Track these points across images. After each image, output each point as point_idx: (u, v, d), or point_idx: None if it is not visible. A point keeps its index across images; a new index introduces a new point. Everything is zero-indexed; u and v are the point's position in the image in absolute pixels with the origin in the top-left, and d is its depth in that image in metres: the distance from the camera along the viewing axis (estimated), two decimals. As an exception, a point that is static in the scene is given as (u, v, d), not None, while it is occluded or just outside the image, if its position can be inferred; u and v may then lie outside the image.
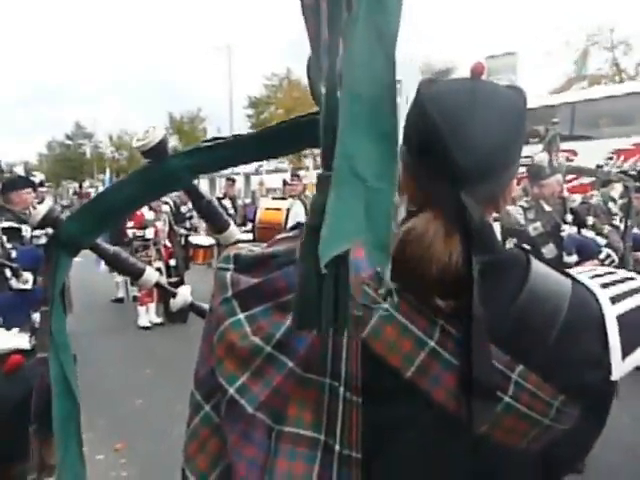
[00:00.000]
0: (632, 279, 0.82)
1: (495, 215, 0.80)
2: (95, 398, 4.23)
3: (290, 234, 0.87)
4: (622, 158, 11.51)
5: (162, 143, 1.03)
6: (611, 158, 11.06)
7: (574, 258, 3.73)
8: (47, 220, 1.10)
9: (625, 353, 0.73)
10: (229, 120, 28.39)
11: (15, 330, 1.57)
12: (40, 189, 7.21)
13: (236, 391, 0.76)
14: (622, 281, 0.81)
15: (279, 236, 0.88)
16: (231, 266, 0.85)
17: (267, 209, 5.76)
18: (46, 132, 71.34)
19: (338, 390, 0.73)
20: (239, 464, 0.75)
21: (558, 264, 3.60)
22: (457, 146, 0.69)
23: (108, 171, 15.13)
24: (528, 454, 0.76)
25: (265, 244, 0.88)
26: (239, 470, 0.75)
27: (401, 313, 0.72)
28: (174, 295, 1.41)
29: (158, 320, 6.82)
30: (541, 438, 0.75)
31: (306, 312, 0.60)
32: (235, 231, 1.24)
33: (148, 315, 6.88)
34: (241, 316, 0.79)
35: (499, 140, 0.71)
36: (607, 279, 0.81)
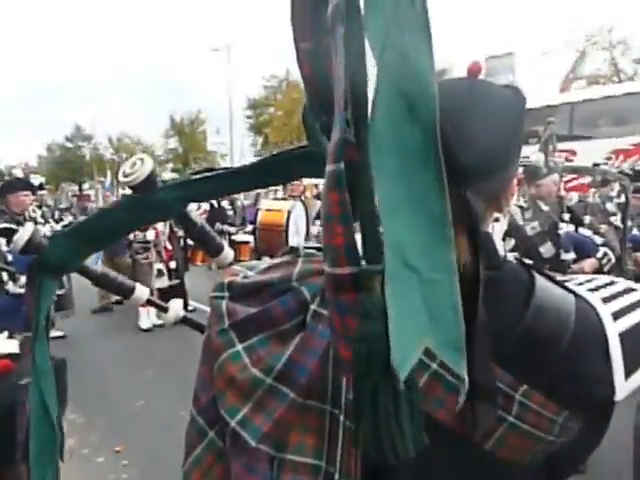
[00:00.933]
0: (633, 290, 0.81)
1: (495, 215, 0.80)
2: (95, 400, 4.25)
3: (284, 259, 0.87)
4: (621, 158, 11.52)
5: (151, 177, 0.98)
6: (610, 158, 11.06)
7: (571, 255, 3.75)
8: (30, 246, 1.03)
9: (628, 372, 0.73)
10: (229, 121, 28.41)
11: (5, 334, 1.55)
12: (39, 192, 7.24)
13: (238, 424, 0.76)
14: (623, 293, 0.80)
15: (274, 261, 0.88)
16: (226, 294, 0.84)
17: (268, 210, 5.73)
18: (45, 134, 71.32)
19: (339, 418, 0.73)
20: None
21: (556, 263, 3.62)
22: (458, 145, 0.68)
23: (109, 173, 15.04)
24: (529, 466, 0.76)
25: (260, 266, 0.87)
26: None
27: None
28: (166, 310, 1.41)
29: (159, 322, 6.83)
30: (543, 452, 0.75)
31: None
32: (229, 253, 1.23)
33: (149, 317, 6.89)
34: (239, 347, 0.78)
35: (499, 139, 0.71)
36: (608, 292, 0.80)
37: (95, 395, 4.28)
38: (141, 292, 1.32)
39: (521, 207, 3.92)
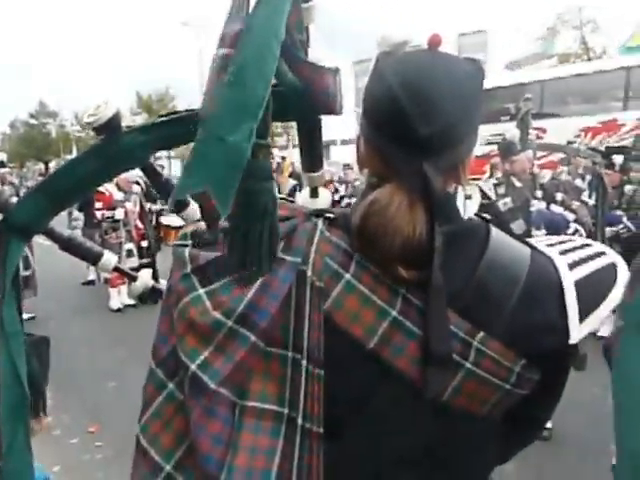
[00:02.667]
0: (589, 245, 0.84)
1: (467, 193, 0.81)
2: (67, 381, 4.18)
3: None
4: (589, 135, 11.73)
5: (115, 118, 0.97)
6: (579, 136, 11.25)
7: (542, 233, 3.80)
8: None
9: (582, 317, 0.75)
10: (199, 98, 27.88)
11: None
12: (1, 170, 7.00)
13: (198, 367, 0.75)
14: (580, 248, 0.83)
15: None
16: (189, 242, 0.84)
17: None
18: (10, 112, 68.98)
19: (301, 363, 0.73)
20: (202, 440, 0.74)
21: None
22: (417, 115, 0.69)
23: (75, 150, 14.62)
24: (489, 421, 0.78)
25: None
26: (202, 446, 0.74)
27: (363, 284, 0.73)
28: (134, 279, 1.38)
29: (130, 302, 6.74)
30: (501, 404, 0.77)
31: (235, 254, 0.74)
32: (196, 209, 1.21)
33: (120, 297, 6.79)
34: (201, 291, 0.77)
35: (459, 110, 0.71)
36: (565, 246, 0.83)
37: (66, 376, 4.21)
38: (109, 259, 1.29)
39: (493, 183, 3.95)
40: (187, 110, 0.95)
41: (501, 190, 3.92)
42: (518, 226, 3.83)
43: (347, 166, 9.24)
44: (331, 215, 0.79)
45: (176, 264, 0.83)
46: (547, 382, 0.78)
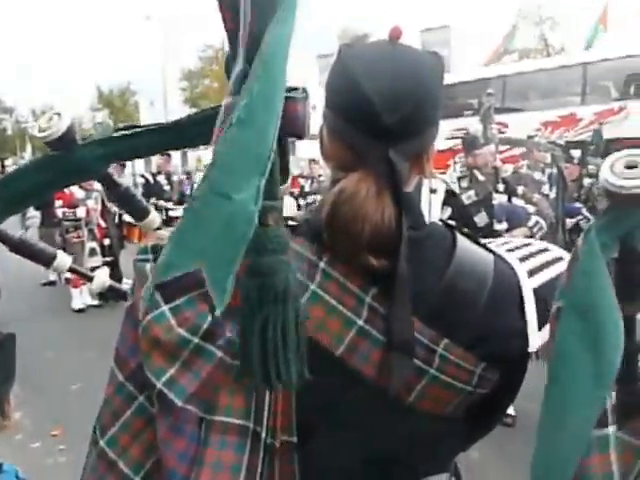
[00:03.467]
0: (547, 250, 0.87)
1: (432, 187, 0.82)
2: (29, 384, 4.06)
3: None
4: (549, 130, 12.01)
5: (69, 132, 0.91)
6: (539, 130, 11.50)
7: (504, 226, 3.89)
8: None
9: (541, 324, 0.77)
10: (162, 93, 27.40)
11: None
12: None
13: (164, 385, 0.73)
14: (538, 253, 0.85)
15: None
16: (150, 257, 0.81)
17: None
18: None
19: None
20: (168, 456, 0.74)
21: (489, 232, 3.75)
22: (381, 103, 0.70)
23: (29, 148, 14.10)
24: (452, 419, 0.80)
25: None
26: (168, 462, 0.73)
27: (329, 294, 0.73)
28: (90, 279, 1.34)
29: (93, 302, 6.59)
30: (464, 404, 0.79)
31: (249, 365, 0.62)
32: (156, 218, 1.18)
33: (82, 297, 6.63)
34: (165, 308, 0.74)
35: (421, 99, 0.73)
36: (524, 252, 0.85)
37: (28, 379, 4.08)
38: (63, 260, 1.24)
39: (457, 176, 4.01)
40: (149, 124, 0.93)
41: (464, 183, 3.98)
42: (481, 219, 3.90)
43: (313, 161, 9.23)
44: (294, 223, 0.79)
45: (138, 280, 0.81)
46: (506, 380, 0.81)
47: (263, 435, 0.72)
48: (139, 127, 0.93)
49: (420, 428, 0.78)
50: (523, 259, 0.83)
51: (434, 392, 0.76)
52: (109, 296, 6.06)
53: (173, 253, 0.56)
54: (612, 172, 0.63)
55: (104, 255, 6.68)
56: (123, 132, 0.92)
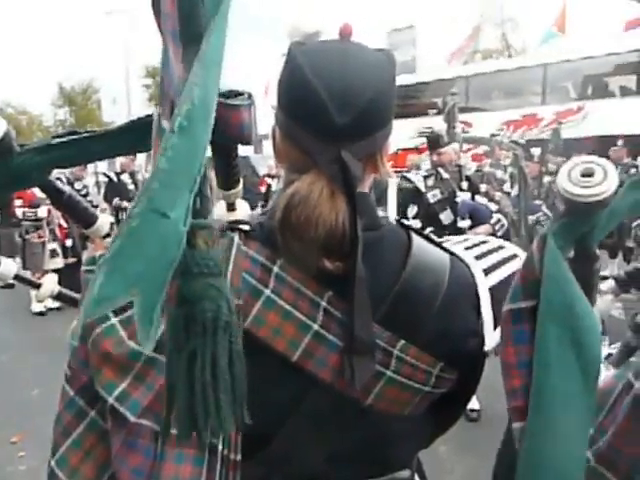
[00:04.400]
0: (502, 248, 0.87)
1: (399, 183, 0.81)
2: (-14, 391, 3.93)
3: None
4: (512, 129, 12.27)
5: (5, 140, 0.87)
6: (502, 129, 11.75)
7: (467, 223, 3.96)
8: None
9: (497, 322, 0.78)
10: (125, 91, 26.87)
11: None
12: None
13: (116, 400, 0.72)
14: (493, 251, 0.86)
15: None
16: None
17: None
18: None
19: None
20: (123, 472, 0.72)
21: (454, 229, 3.80)
22: (333, 103, 0.69)
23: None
24: (411, 418, 0.80)
25: None
26: (123, 477, 0.72)
27: (283, 299, 0.72)
28: (38, 286, 1.29)
29: (54, 305, 6.41)
30: (422, 403, 0.79)
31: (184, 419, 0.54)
32: (105, 224, 1.14)
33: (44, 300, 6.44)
34: (114, 320, 0.74)
35: (373, 97, 0.71)
36: (480, 250, 0.86)
37: (-15, 386, 3.96)
38: (7, 267, 1.17)
39: (424, 175, 4.05)
40: (86, 131, 0.90)
41: (430, 182, 4.03)
42: (446, 216, 3.95)
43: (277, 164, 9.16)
44: (247, 227, 0.77)
45: (86, 291, 0.78)
46: (463, 380, 0.81)
47: (220, 447, 0.71)
48: (77, 134, 0.89)
49: (379, 429, 0.78)
50: (479, 257, 0.84)
51: (392, 393, 0.75)
52: (73, 300, 5.92)
53: (104, 283, 0.46)
54: (569, 179, 0.63)
55: (66, 256, 6.51)
56: (61, 139, 0.88)
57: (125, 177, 8.05)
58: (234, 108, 0.80)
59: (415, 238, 0.80)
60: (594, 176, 0.62)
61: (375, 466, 0.81)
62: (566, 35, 14.30)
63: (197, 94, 0.50)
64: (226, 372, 0.55)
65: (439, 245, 0.83)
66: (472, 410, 3.45)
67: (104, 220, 1.12)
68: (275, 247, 0.72)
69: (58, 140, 0.88)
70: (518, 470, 0.66)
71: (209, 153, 0.56)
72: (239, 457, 0.72)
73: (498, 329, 0.77)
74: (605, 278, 2.99)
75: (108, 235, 1.10)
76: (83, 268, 0.81)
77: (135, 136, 0.87)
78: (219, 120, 0.55)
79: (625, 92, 11.94)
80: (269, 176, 8.96)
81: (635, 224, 4.63)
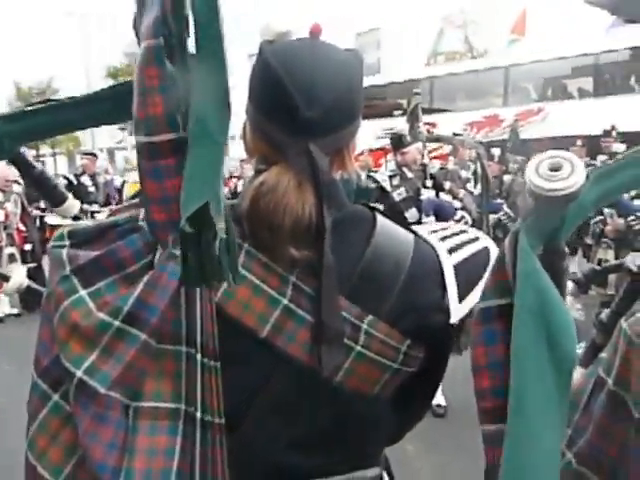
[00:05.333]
0: (465, 232, 0.91)
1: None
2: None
3: (132, 202, 0.83)
4: (475, 129, 12.50)
5: None
6: (466, 130, 11.94)
7: (431, 219, 4.01)
8: None
9: (461, 298, 0.81)
10: (86, 91, 26.27)
11: None
12: None
13: (84, 373, 0.71)
14: (457, 234, 0.89)
15: (118, 206, 0.87)
16: (66, 242, 0.79)
17: (137, 183, 5.41)
18: None
19: (195, 357, 0.72)
20: (95, 448, 0.71)
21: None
22: (302, 97, 0.72)
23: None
24: (380, 400, 0.81)
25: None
26: (95, 454, 0.71)
27: (253, 274, 0.74)
28: (7, 279, 1.25)
29: (13, 311, 6.22)
30: (391, 383, 0.80)
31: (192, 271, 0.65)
32: (74, 204, 1.12)
33: (1, 306, 6.25)
34: (83, 293, 0.74)
35: (340, 94, 0.74)
36: (445, 233, 0.89)
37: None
38: None
39: (390, 175, 4.09)
40: (55, 100, 0.89)
41: (395, 181, 4.07)
42: (412, 215, 4.00)
43: (244, 161, 9.14)
44: None
45: (54, 266, 0.78)
46: (432, 359, 0.83)
47: (198, 415, 0.71)
48: (52, 101, 0.88)
49: (348, 408, 0.79)
50: (443, 239, 0.87)
51: (361, 369, 0.77)
52: (29, 300, 5.77)
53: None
54: (537, 175, 0.64)
55: (25, 261, 6.32)
56: (33, 107, 0.87)
57: (85, 179, 7.86)
58: None
59: (380, 218, 0.83)
60: (562, 170, 0.62)
61: (344, 457, 0.82)
62: (527, 38, 14.65)
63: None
64: (224, 241, 0.65)
65: (404, 225, 0.86)
66: (438, 405, 3.49)
67: (73, 201, 1.11)
68: (245, 227, 0.75)
69: (32, 107, 0.87)
70: (503, 472, 0.66)
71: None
72: (222, 421, 0.73)
73: (464, 302, 0.80)
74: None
75: (77, 217, 1.08)
76: (52, 244, 0.80)
77: (113, 104, 0.86)
78: None
79: (583, 94, 12.31)
80: (235, 177, 8.91)
81: (594, 221, 4.77)
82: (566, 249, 0.72)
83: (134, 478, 0.69)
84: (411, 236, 0.84)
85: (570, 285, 3.04)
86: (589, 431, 0.73)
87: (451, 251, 0.84)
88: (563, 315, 0.66)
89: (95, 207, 7.86)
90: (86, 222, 0.84)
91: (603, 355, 0.77)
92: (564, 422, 0.67)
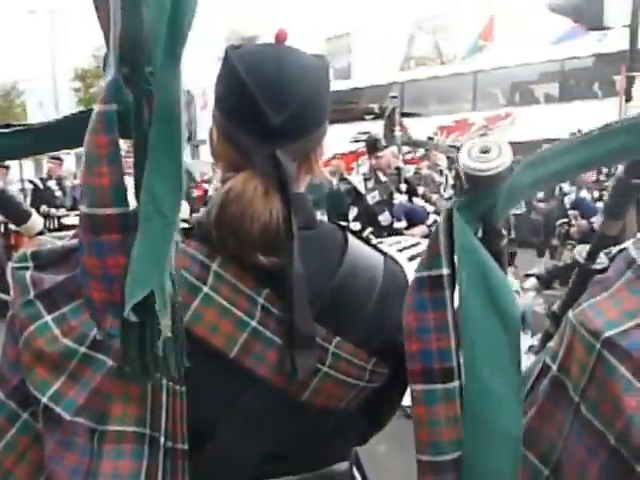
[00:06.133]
0: (419, 244, 0.91)
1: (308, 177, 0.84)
2: None
3: None
4: (445, 134, 12.68)
5: None
6: (436, 134, 12.11)
7: (403, 224, 4.06)
8: None
9: None
10: (53, 94, 25.75)
11: None
12: None
13: (50, 399, 0.71)
14: (414, 245, 0.90)
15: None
16: (30, 264, 0.77)
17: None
18: None
19: (161, 382, 0.71)
20: (59, 473, 0.71)
21: (392, 230, 3.88)
22: (268, 104, 0.72)
23: None
24: (346, 412, 0.82)
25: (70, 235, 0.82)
26: (59, 478, 0.71)
27: (221, 296, 0.73)
28: None
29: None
30: (357, 398, 0.81)
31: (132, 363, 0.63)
32: (38, 222, 1.08)
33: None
34: (48, 318, 0.73)
35: (308, 99, 0.75)
36: (413, 252, 0.89)
37: None
38: None
39: (363, 177, 4.12)
40: (20, 124, 0.85)
41: (370, 184, 4.10)
42: (385, 218, 4.04)
43: (215, 165, 9.07)
44: (186, 225, 0.78)
45: (17, 289, 0.76)
46: (398, 372, 0.82)
47: (162, 440, 0.71)
48: (11, 127, 0.84)
49: (315, 423, 0.80)
50: (411, 258, 0.86)
51: (327, 389, 0.77)
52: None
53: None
54: (469, 156, 0.68)
55: (-13, 268, 6.12)
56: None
57: (52, 183, 7.69)
58: None
59: (351, 238, 0.83)
60: (490, 152, 0.68)
61: (313, 461, 0.83)
62: (495, 44, 14.94)
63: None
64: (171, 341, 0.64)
65: (373, 246, 0.87)
66: (409, 406, 3.49)
67: (37, 218, 1.07)
68: (213, 245, 0.74)
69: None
70: (464, 436, 0.69)
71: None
72: (186, 446, 0.73)
73: None
74: (532, 276, 3.12)
75: (41, 233, 1.04)
76: (13, 265, 0.78)
77: (61, 133, 0.83)
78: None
79: (549, 99, 12.62)
80: (205, 182, 8.84)
81: (559, 223, 4.88)
82: (504, 231, 0.76)
83: None
84: (381, 257, 0.84)
85: (533, 281, 3.10)
86: (530, 412, 0.76)
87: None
88: (502, 281, 0.68)
89: (62, 211, 7.68)
90: (50, 240, 0.82)
91: (551, 344, 0.80)
92: (520, 382, 0.69)
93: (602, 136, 0.72)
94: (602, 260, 0.88)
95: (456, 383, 0.72)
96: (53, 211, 7.49)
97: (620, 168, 0.87)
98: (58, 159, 8.28)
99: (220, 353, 0.73)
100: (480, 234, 0.73)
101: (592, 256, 0.89)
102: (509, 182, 0.70)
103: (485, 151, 0.68)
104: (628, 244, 0.79)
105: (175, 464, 0.72)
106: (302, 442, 0.80)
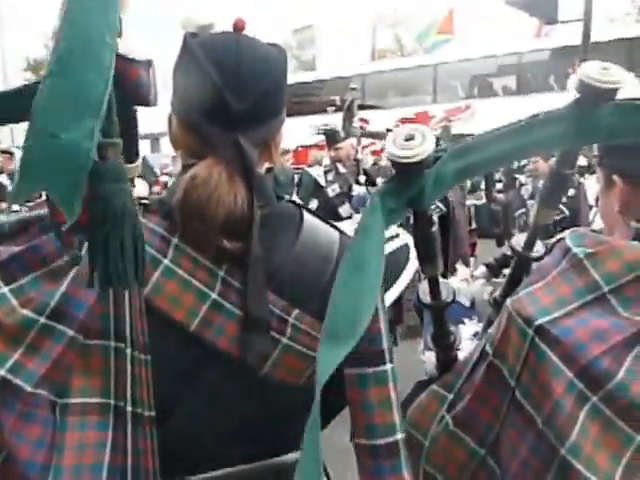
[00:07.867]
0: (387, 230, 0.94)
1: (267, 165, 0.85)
2: None
3: None
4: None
5: None
6: (397, 126, 12.18)
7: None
8: None
9: (386, 289, 0.81)
10: (3, 85, 24.80)
11: None
12: None
13: (9, 371, 0.70)
14: None
15: (41, 200, 0.81)
16: None
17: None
18: None
19: (125, 351, 0.72)
20: (21, 447, 0.70)
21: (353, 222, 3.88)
22: (231, 91, 0.73)
23: None
24: (305, 391, 0.80)
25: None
26: (22, 453, 0.69)
27: (182, 268, 0.75)
28: None
29: None
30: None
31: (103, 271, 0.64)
32: None
33: None
34: (5, 290, 0.72)
35: (268, 87, 0.76)
36: None
37: None
38: None
39: (325, 170, 4.12)
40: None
41: (330, 177, 4.10)
42: (345, 210, 4.05)
43: (175, 158, 8.93)
44: (146, 201, 0.79)
45: None
46: None
47: (129, 408, 0.72)
48: None
49: (275, 399, 0.81)
50: None
51: (287, 361, 0.79)
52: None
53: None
54: (394, 144, 0.70)
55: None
56: None
57: (3, 178, 7.41)
58: (130, 62, 0.79)
59: (306, 215, 0.85)
60: (414, 140, 0.70)
61: (269, 445, 0.83)
62: (455, 37, 15.11)
63: (63, 44, 0.57)
64: (131, 245, 0.64)
65: (330, 223, 0.89)
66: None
67: None
68: (174, 222, 0.75)
69: None
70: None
71: None
72: (153, 413, 0.73)
73: (388, 293, 0.82)
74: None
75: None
76: None
77: (13, 104, 0.80)
78: (116, 73, 0.61)
79: (507, 91, 12.86)
80: (166, 174, 8.70)
81: (518, 213, 4.98)
82: (434, 218, 0.77)
83: (63, 474, 0.69)
84: (336, 233, 0.86)
85: (482, 269, 3.16)
86: (468, 397, 0.79)
87: None
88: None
89: (15, 207, 7.41)
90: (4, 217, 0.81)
91: (490, 330, 0.82)
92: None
93: (530, 126, 0.74)
94: (539, 249, 0.90)
95: (387, 367, 0.76)
96: (4, 205, 7.23)
97: (552, 159, 0.89)
98: (9, 153, 7.98)
99: (181, 326, 0.74)
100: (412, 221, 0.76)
101: (528, 245, 0.91)
102: (435, 170, 0.72)
103: (409, 138, 0.70)
104: (565, 234, 0.81)
105: (144, 430, 0.73)
106: (260, 421, 0.81)
